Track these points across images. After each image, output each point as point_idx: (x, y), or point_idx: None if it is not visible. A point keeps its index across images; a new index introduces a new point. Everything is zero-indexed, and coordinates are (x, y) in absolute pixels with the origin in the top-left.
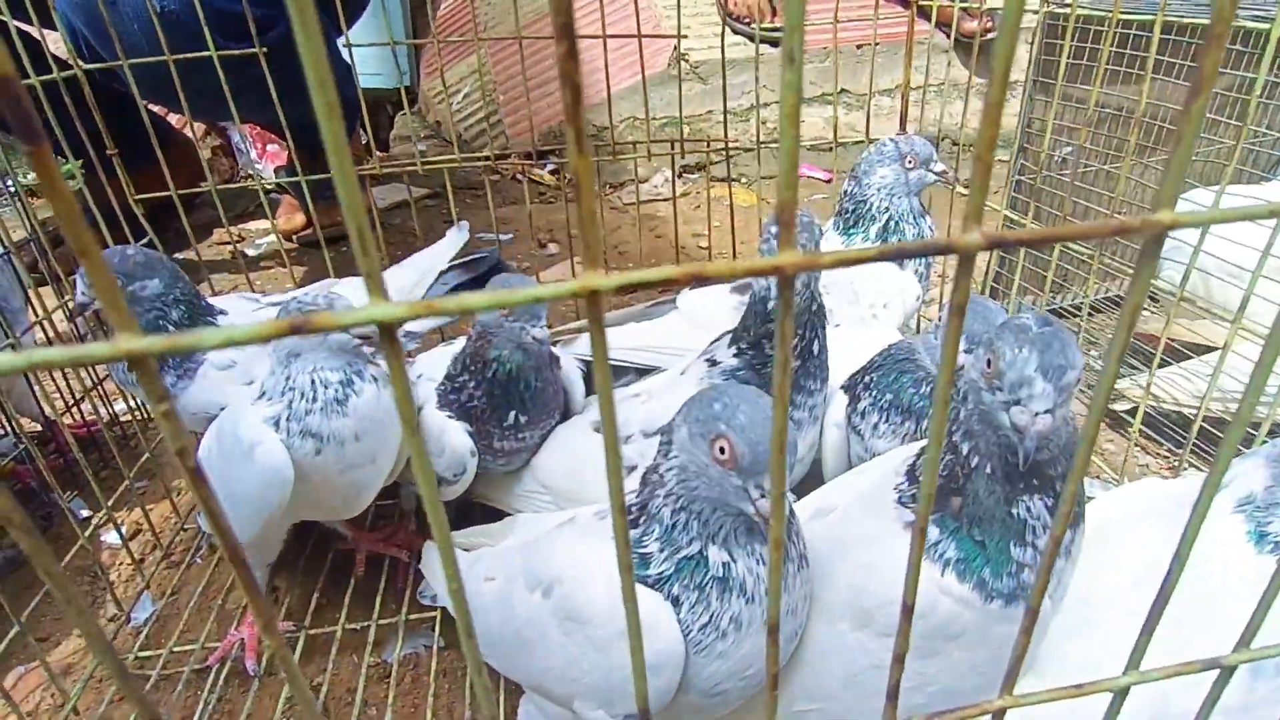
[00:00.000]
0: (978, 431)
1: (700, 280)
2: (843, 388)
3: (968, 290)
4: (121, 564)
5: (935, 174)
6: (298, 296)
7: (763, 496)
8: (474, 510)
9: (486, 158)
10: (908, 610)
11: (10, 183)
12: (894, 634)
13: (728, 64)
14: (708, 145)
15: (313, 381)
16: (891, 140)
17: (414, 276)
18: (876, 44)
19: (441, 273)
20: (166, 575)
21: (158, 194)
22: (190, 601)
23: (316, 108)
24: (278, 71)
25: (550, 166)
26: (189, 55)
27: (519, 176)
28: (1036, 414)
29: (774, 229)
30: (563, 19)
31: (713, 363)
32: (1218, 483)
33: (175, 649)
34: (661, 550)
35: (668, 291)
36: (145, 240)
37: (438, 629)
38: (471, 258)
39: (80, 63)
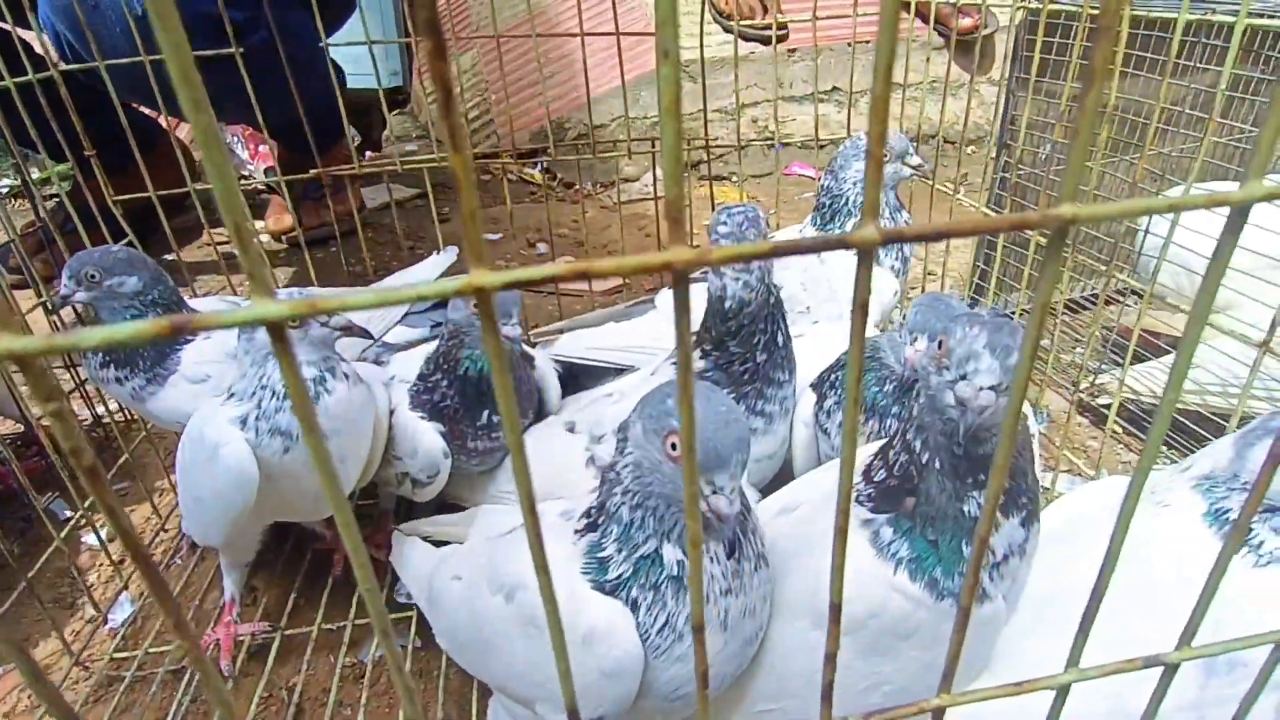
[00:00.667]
0: (928, 424)
1: (587, 277)
2: (811, 385)
3: (868, 285)
4: (101, 565)
5: (911, 168)
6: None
7: (715, 493)
8: (451, 511)
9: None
10: (835, 610)
11: None
12: (851, 633)
13: (719, 63)
14: (688, 144)
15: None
16: (867, 134)
17: None
18: (866, 42)
19: None
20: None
21: (137, 195)
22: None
23: (181, 100)
24: (258, 75)
25: (541, 165)
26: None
27: (510, 176)
28: (980, 389)
29: (721, 227)
30: (426, 14)
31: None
32: (1148, 469)
33: (151, 650)
34: (620, 551)
35: (652, 290)
36: (125, 241)
37: (413, 629)
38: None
39: (59, 64)
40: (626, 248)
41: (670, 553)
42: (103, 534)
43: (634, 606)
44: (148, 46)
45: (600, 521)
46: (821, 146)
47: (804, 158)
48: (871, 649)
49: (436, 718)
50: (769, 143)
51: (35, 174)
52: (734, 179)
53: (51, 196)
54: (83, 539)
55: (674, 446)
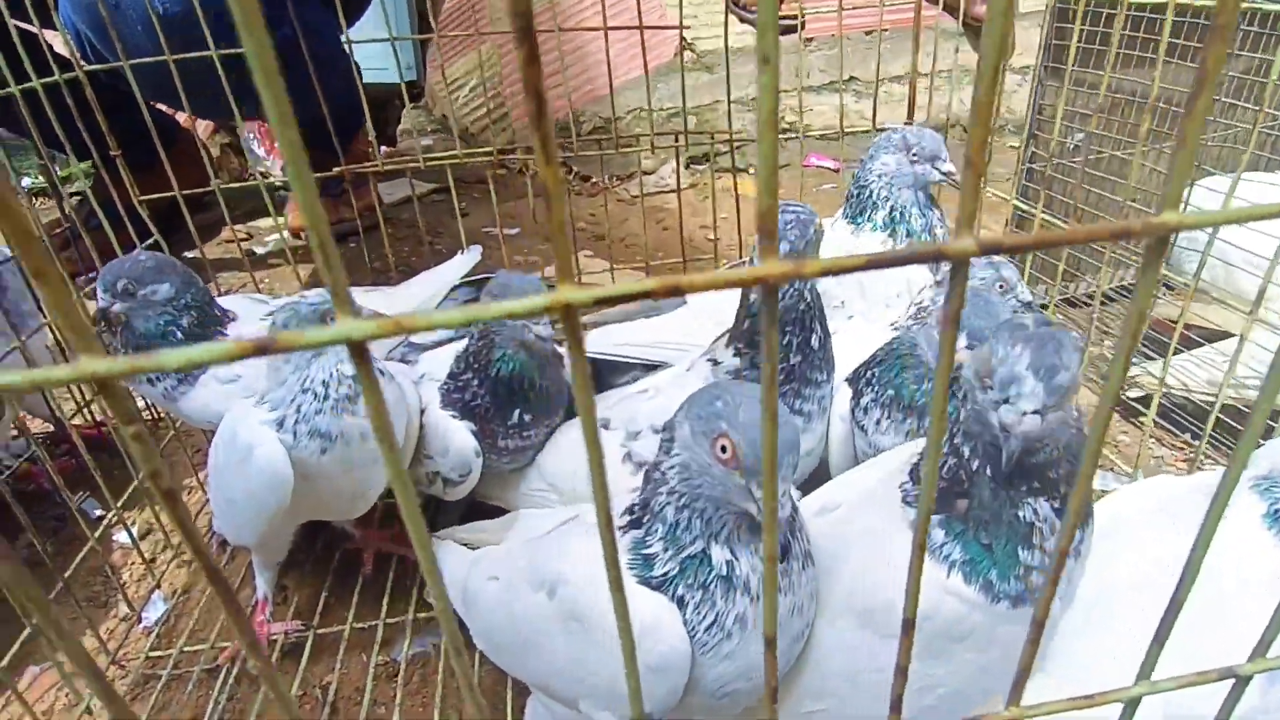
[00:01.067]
0: (975, 432)
1: (679, 292)
2: (846, 381)
3: (962, 298)
4: (133, 563)
5: (941, 173)
6: (307, 298)
7: None
8: (480, 510)
9: (489, 153)
10: (908, 624)
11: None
12: (896, 635)
13: (734, 53)
14: (712, 138)
15: (327, 378)
16: (900, 130)
17: (428, 291)
18: (884, 30)
19: (454, 288)
20: (177, 574)
21: (162, 194)
22: (200, 601)
23: (269, 112)
24: (281, 72)
25: (559, 159)
26: (189, 55)
27: (525, 170)
28: (1024, 413)
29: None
30: (522, 21)
31: (715, 363)
32: (1237, 477)
33: (186, 649)
34: (665, 550)
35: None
36: (150, 241)
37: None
38: (482, 277)
39: (82, 64)
40: (648, 241)
41: (718, 553)
42: (134, 532)
43: (680, 604)
44: (170, 45)
45: (644, 519)
46: (839, 137)
47: (822, 148)
48: (925, 651)
49: (470, 718)
50: (790, 135)
51: (58, 171)
52: (751, 170)
53: (75, 194)
54: (114, 537)
55: (724, 449)
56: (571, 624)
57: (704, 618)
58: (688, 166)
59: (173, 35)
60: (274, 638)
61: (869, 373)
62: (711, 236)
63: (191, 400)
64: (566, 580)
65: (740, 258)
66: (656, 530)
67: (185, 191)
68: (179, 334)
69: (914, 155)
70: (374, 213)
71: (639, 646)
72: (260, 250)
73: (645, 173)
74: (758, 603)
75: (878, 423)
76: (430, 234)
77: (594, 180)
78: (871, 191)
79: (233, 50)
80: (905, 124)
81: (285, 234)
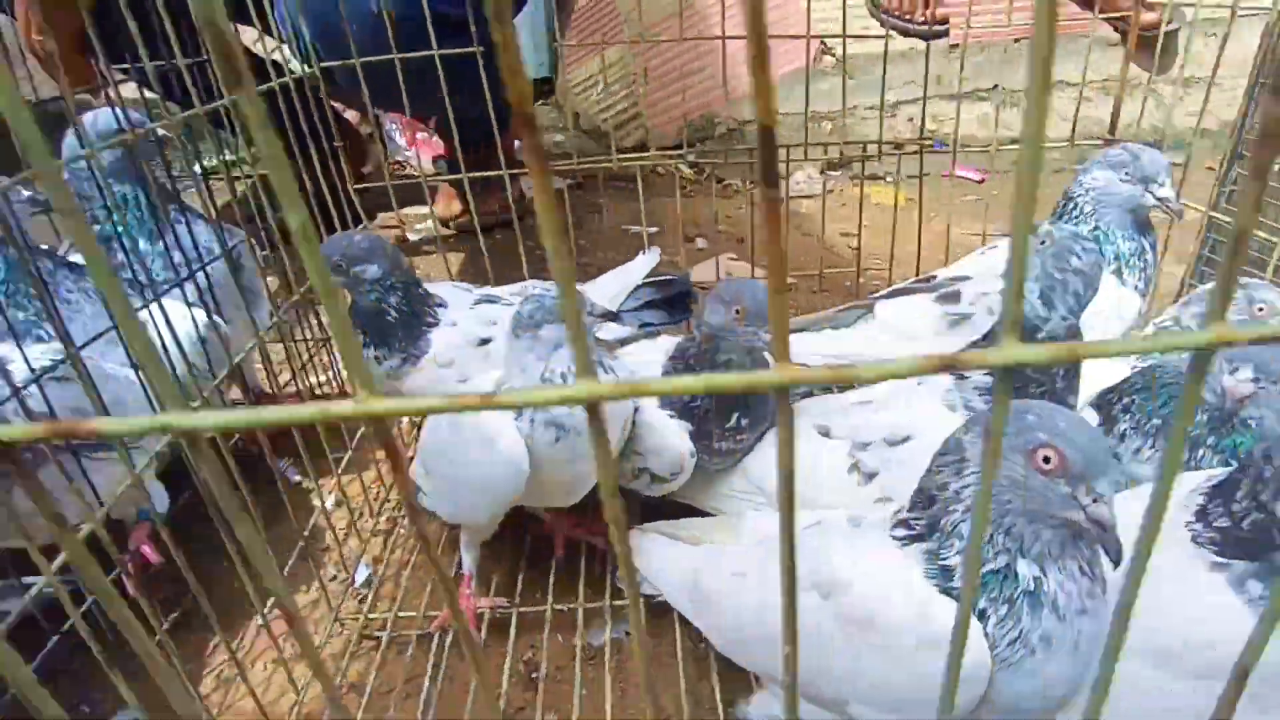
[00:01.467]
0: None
1: None
2: (1092, 405)
3: None
4: (338, 529)
5: (1155, 198)
6: (550, 292)
7: (1095, 501)
8: (664, 505)
9: (643, 155)
10: None
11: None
12: (1214, 678)
13: (869, 58)
14: (878, 148)
15: (566, 370)
16: (1123, 146)
17: (612, 289)
18: (1019, 40)
19: (636, 287)
20: (376, 542)
21: (372, 184)
22: (403, 570)
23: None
24: (489, 70)
25: (690, 160)
26: (413, 54)
27: (659, 169)
28: None
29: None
30: (1043, 53)
31: (960, 376)
32: None
33: (400, 614)
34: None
35: (830, 295)
36: (361, 226)
37: (644, 617)
38: (662, 279)
39: (309, 67)
40: (790, 247)
41: (1025, 569)
42: (335, 498)
43: (981, 616)
44: (385, 44)
45: (933, 536)
46: (984, 150)
47: (961, 159)
48: (1249, 699)
49: (682, 705)
50: (935, 146)
51: (228, 156)
52: (889, 179)
53: (244, 177)
54: (314, 502)
55: (1046, 460)
56: (850, 627)
57: (1006, 633)
58: (822, 173)
59: (390, 36)
60: (480, 612)
61: (1125, 400)
62: (854, 244)
63: (412, 381)
64: (845, 583)
65: (912, 274)
66: (952, 545)
67: (395, 181)
68: (391, 313)
69: (1126, 174)
70: (521, 205)
71: (940, 655)
72: (412, 238)
73: (780, 177)
74: (1064, 622)
75: (1137, 451)
76: (580, 228)
77: (727, 182)
78: (1077, 205)
79: (458, 50)
80: (1108, 138)
81: (430, 222)
